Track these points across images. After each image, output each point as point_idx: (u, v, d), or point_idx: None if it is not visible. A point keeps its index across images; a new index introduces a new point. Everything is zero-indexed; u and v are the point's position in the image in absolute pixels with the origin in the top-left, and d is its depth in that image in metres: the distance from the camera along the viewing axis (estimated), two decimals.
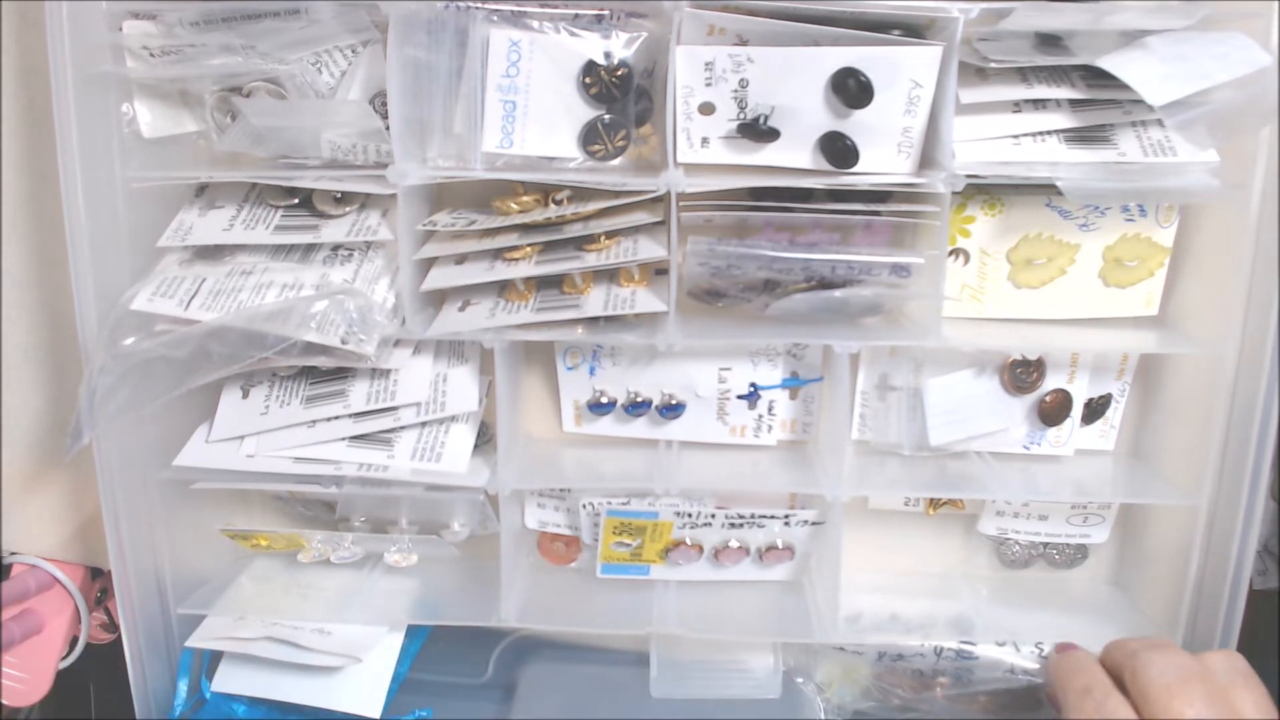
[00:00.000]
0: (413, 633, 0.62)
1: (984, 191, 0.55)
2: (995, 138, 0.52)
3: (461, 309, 0.56)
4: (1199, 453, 0.56)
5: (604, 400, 0.62)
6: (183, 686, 0.61)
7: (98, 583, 0.68)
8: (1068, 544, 0.65)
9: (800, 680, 0.63)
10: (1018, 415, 0.61)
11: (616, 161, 0.55)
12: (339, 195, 0.56)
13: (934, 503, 0.64)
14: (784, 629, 0.61)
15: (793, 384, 0.61)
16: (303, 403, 0.57)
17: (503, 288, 0.57)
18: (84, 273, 0.52)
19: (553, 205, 0.54)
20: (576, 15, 0.52)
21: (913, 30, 0.51)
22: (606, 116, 0.53)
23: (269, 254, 0.56)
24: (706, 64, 0.50)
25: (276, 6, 0.53)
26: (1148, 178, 0.52)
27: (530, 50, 0.51)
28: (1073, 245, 0.56)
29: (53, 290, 0.61)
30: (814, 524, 0.61)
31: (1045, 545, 0.65)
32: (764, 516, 0.61)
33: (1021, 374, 0.59)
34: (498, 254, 0.55)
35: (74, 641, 0.66)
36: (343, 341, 0.52)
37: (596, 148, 0.54)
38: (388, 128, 0.51)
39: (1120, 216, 0.56)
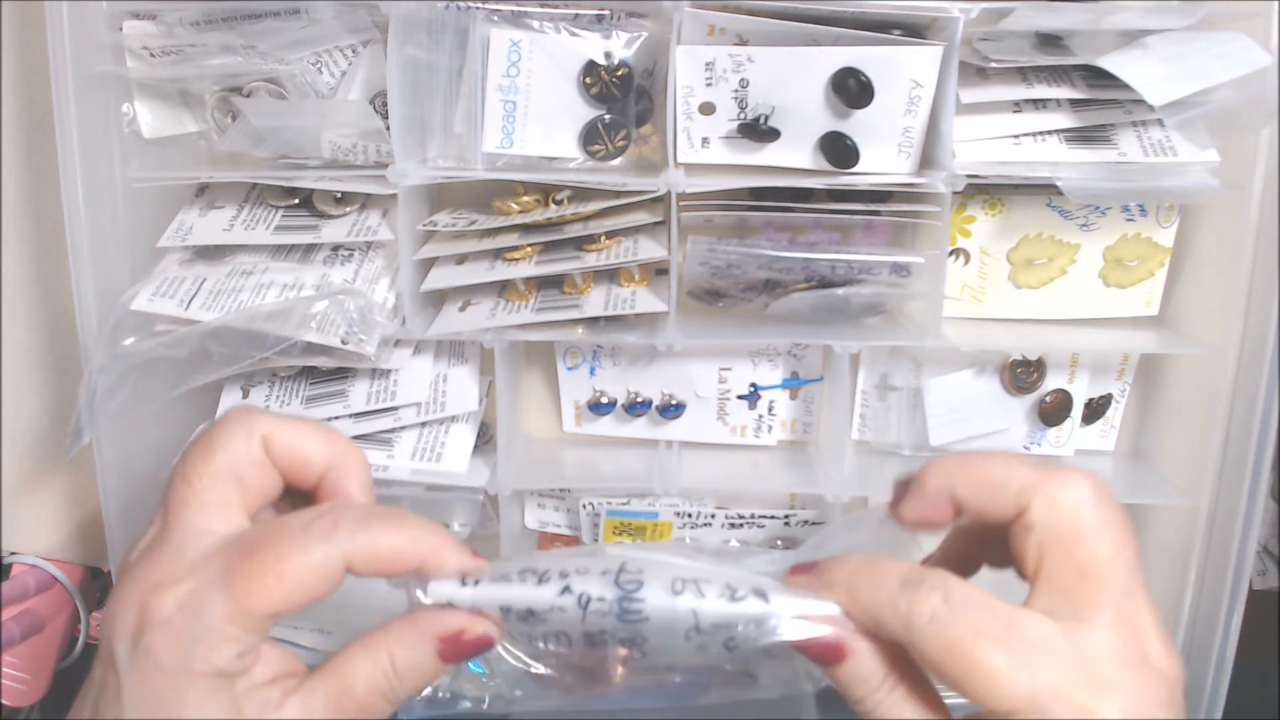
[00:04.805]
0: None
1: (984, 191, 0.55)
2: (995, 138, 0.52)
3: (462, 309, 0.56)
4: (1199, 453, 0.56)
5: (604, 400, 0.62)
6: None
7: (98, 583, 0.68)
8: None
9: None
10: (1018, 415, 0.61)
11: (617, 161, 0.55)
12: (339, 195, 0.55)
13: None
14: None
15: (793, 384, 0.61)
16: (303, 403, 0.57)
17: (503, 288, 0.57)
18: (84, 273, 0.52)
19: (553, 205, 0.54)
20: (577, 15, 0.52)
21: (913, 30, 0.51)
22: (607, 116, 0.53)
23: (269, 254, 0.56)
24: (707, 64, 0.50)
25: (276, 6, 0.53)
26: (1148, 178, 0.52)
27: (530, 50, 0.51)
28: (1073, 245, 0.56)
29: (53, 290, 0.61)
30: (814, 524, 0.61)
31: None
32: (764, 517, 0.61)
33: (1022, 374, 0.59)
34: (498, 254, 0.55)
35: (74, 641, 0.66)
36: (343, 342, 0.52)
37: (597, 148, 0.54)
38: (388, 128, 0.51)
39: (1120, 216, 0.56)
